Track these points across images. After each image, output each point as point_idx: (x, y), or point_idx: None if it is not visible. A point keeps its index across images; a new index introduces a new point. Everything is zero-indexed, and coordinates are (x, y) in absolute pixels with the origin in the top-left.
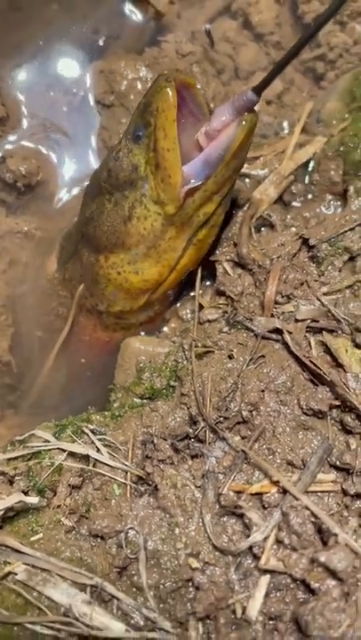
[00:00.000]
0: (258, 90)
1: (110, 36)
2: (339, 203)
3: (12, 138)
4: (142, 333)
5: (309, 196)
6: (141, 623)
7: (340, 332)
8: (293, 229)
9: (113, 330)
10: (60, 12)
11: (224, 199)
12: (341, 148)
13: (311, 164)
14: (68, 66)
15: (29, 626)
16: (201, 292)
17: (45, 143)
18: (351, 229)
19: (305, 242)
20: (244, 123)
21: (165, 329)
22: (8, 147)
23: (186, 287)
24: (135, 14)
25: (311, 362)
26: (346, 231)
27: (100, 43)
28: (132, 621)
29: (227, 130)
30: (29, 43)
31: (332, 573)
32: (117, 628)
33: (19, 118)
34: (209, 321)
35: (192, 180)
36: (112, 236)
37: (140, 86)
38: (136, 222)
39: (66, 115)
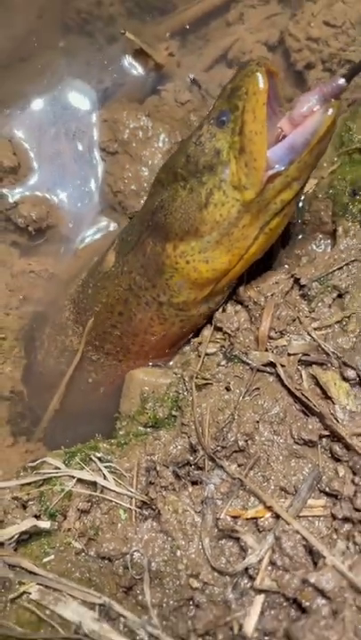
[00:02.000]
0: (348, 77)
1: (114, 85)
2: (329, 241)
3: (23, 185)
4: (150, 364)
5: (300, 236)
6: (146, 639)
7: (329, 365)
8: (287, 267)
9: (171, 323)
10: (64, 62)
11: (302, 188)
12: (330, 191)
13: (303, 205)
14: (74, 115)
15: None
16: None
17: (54, 190)
18: (339, 268)
19: (297, 280)
20: (331, 109)
21: (171, 362)
22: (20, 193)
23: None
24: (136, 67)
25: (302, 394)
26: (334, 270)
27: (104, 92)
28: (138, 638)
29: (313, 115)
30: (36, 93)
31: (322, 593)
32: None
33: (29, 166)
34: (208, 354)
35: (276, 165)
36: (185, 224)
37: (141, 134)
38: (213, 209)
39: (73, 162)
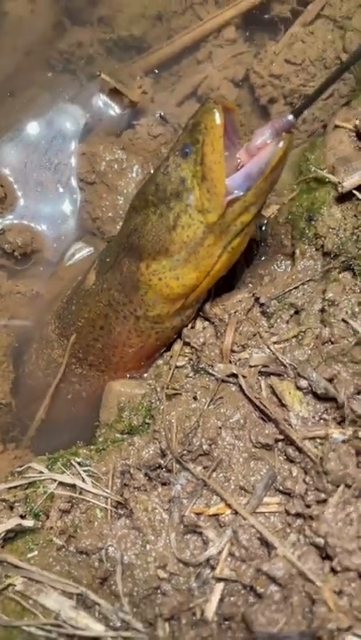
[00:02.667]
0: (296, 113)
1: (93, 120)
2: (289, 262)
3: (9, 214)
4: (127, 376)
5: (263, 257)
6: (118, 624)
7: (285, 375)
8: (250, 286)
9: (147, 335)
10: (50, 98)
11: (259, 211)
12: (290, 216)
13: (265, 228)
14: (56, 149)
15: (26, 628)
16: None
17: (37, 218)
18: (296, 287)
19: (257, 299)
20: (282, 142)
21: (145, 374)
22: (6, 222)
23: None
24: (112, 105)
25: (261, 402)
26: (291, 289)
27: (85, 126)
28: (111, 623)
29: (267, 147)
30: (22, 128)
31: (274, 580)
32: (98, 628)
33: (15, 196)
34: (177, 367)
35: (235, 191)
36: (156, 245)
37: (116, 166)
38: (180, 230)
39: (55, 192)
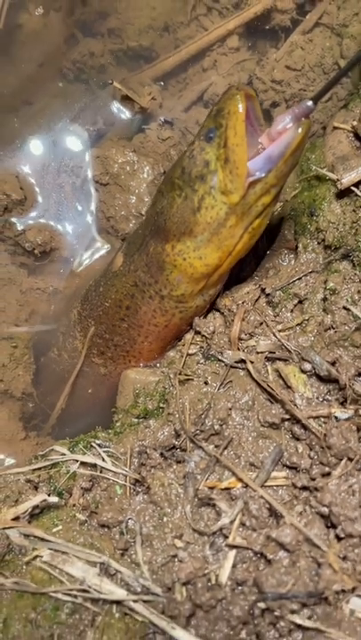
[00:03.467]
0: (315, 99)
1: (106, 126)
2: (293, 255)
3: (29, 215)
4: (141, 365)
5: (269, 252)
6: (139, 590)
7: (290, 360)
8: (257, 278)
9: (172, 315)
10: (63, 106)
11: (279, 193)
12: (292, 212)
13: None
14: (72, 153)
15: (53, 594)
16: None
17: (56, 217)
18: (299, 279)
19: (263, 290)
20: (301, 126)
21: (158, 364)
22: (26, 222)
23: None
24: (123, 111)
25: (268, 385)
26: (295, 280)
27: (98, 132)
28: (132, 589)
29: (287, 132)
30: (39, 134)
31: (282, 546)
32: (120, 593)
33: (34, 198)
34: (189, 355)
35: (256, 173)
36: (181, 226)
37: (128, 168)
38: (204, 212)
39: (71, 193)
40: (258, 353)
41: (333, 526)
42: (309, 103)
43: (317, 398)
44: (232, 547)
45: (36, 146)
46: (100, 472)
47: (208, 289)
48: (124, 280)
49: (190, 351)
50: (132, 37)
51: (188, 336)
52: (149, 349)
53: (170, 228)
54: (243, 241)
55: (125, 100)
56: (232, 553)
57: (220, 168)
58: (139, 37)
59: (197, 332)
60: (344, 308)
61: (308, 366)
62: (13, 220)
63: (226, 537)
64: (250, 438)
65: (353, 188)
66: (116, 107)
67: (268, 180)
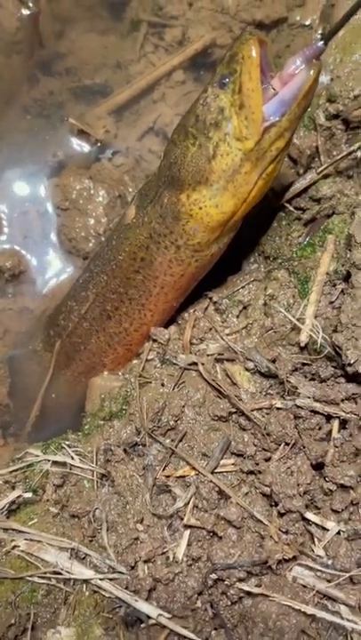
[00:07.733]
0: (326, 40)
1: (66, 157)
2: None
3: None
4: (105, 373)
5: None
6: (105, 570)
7: (236, 360)
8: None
9: (188, 264)
10: (27, 140)
11: (292, 137)
12: None
13: None
14: (34, 183)
15: (30, 579)
16: None
17: (23, 243)
18: (243, 287)
19: (211, 299)
20: (313, 68)
21: (120, 372)
22: None
23: None
24: (80, 144)
25: (217, 383)
26: (239, 289)
27: (59, 163)
28: (99, 569)
29: (299, 74)
30: (6, 166)
31: (230, 523)
32: (89, 573)
33: (1, 226)
34: (147, 360)
35: (271, 117)
36: (196, 175)
37: (85, 193)
38: (219, 159)
39: (35, 219)
40: (208, 355)
41: (276, 504)
42: (320, 44)
43: (260, 392)
44: (187, 527)
45: (3, 177)
46: (70, 469)
47: (223, 237)
48: (138, 232)
49: (149, 357)
50: (88, 75)
51: (147, 344)
52: (165, 301)
53: (185, 178)
54: (257, 187)
55: (82, 133)
56: (187, 532)
57: (234, 114)
58: (94, 75)
59: (154, 340)
60: (281, 311)
61: (251, 365)
62: None
63: (181, 519)
64: (201, 431)
65: (286, 204)
66: (74, 140)
67: (283, 124)
